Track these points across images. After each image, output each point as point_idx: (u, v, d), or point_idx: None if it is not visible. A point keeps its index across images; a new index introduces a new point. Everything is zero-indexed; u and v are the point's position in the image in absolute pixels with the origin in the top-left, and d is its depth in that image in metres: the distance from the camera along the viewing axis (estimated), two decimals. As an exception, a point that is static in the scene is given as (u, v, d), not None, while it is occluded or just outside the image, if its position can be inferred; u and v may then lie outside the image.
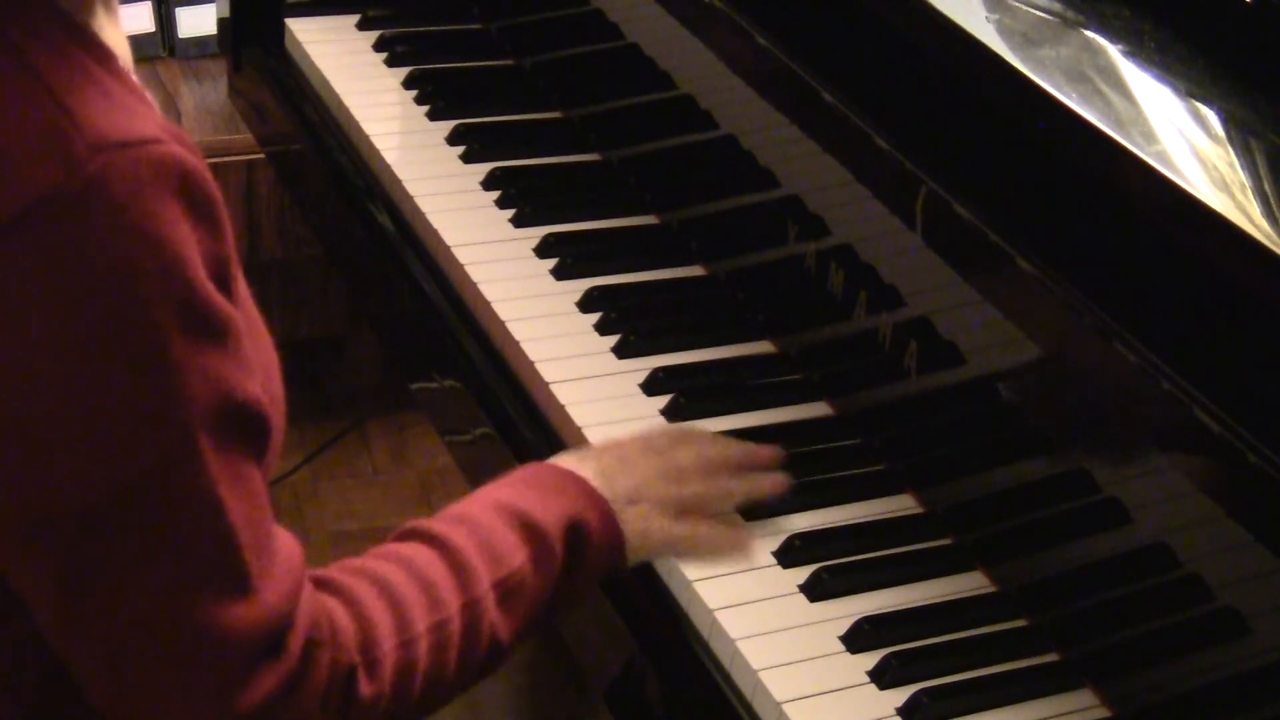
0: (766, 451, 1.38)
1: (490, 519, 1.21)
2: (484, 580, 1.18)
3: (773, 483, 1.35)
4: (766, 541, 1.34)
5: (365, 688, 1.09)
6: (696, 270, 1.65)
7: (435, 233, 1.67)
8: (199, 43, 2.65)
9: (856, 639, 1.26)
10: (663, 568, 1.33)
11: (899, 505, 1.40)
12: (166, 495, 0.98)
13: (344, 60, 1.94)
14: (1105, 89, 1.24)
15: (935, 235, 1.33)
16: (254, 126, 2.18)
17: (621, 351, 1.53)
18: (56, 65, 0.95)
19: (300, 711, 1.05)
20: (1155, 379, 1.14)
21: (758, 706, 1.23)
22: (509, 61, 1.97)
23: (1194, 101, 1.25)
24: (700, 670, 1.27)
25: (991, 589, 1.33)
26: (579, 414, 1.45)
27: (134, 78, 1.01)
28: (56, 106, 0.93)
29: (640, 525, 1.28)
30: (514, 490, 1.25)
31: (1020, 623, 1.30)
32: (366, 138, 1.81)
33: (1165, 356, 1.14)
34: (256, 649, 1.02)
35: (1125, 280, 1.21)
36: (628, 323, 1.55)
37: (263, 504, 1.03)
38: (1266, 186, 1.16)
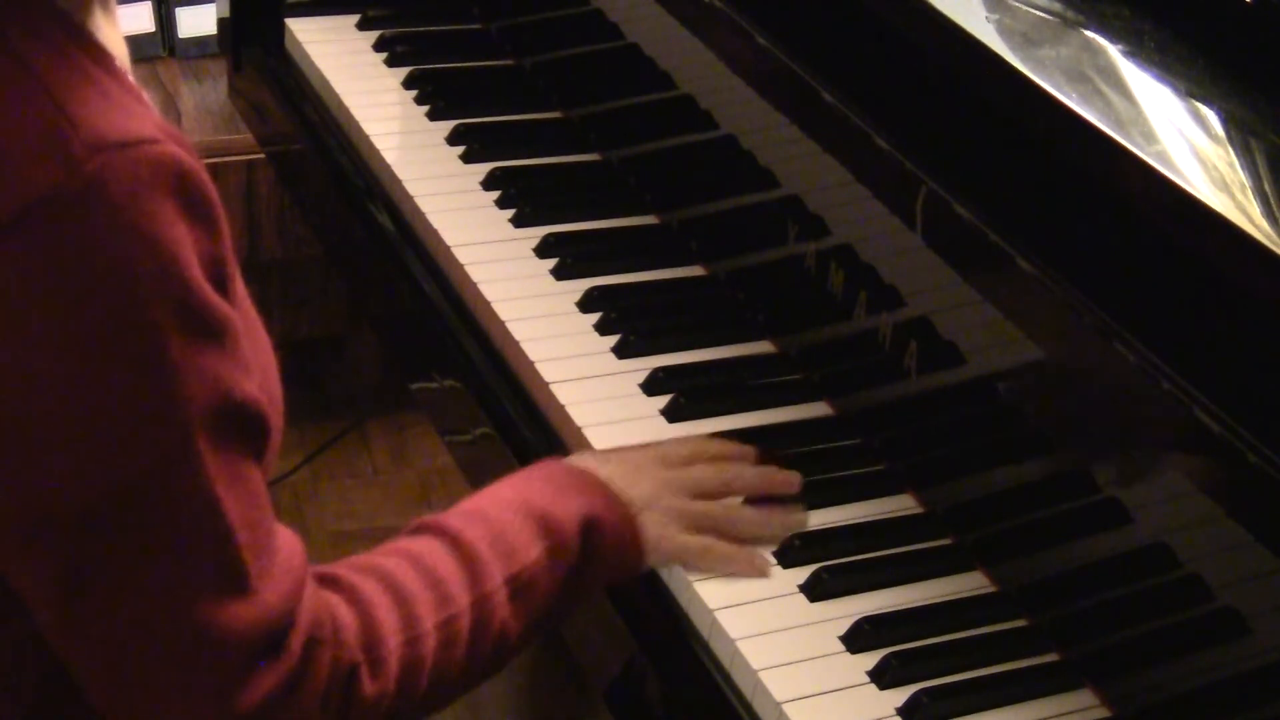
0: (783, 478, 1.36)
1: (504, 513, 1.21)
2: (495, 576, 1.17)
3: (784, 525, 1.34)
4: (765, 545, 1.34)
5: (368, 686, 1.09)
6: (696, 270, 1.65)
7: (435, 233, 1.67)
8: (199, 43, 2.65)
9: (856, 639, 1.26)
10: (663, 568, 1.32)
11: (899, 505, 1.40)
12: (165, 495, 0.98)
13: (344, 60, 1.94)
14: (1105, 89, 1.24)
15: (935, 235, 1.33)
16: (254, 126, 2.18)
17: (621, 351, 1.53)
18: (55, 65, 0.95)
19: (300, 710, 1.05)
20: (1155, 379, 1.14)
21: (758, 706, 1.23)
22: (509, 61, 1.97)
23: (1194, 101, 1.25)
24: (700, 670, 1.27)
25: (991, 589, 1.33)
26: (579, 414, 1.45)
27: (131, 78, 1.01)
28: (54, 107, 0.93)
29: (657, 530, 1.28)
30: (530, 485, 1.25)
31: (1020, 623, 1.30)
32: (366, 138, 1.81)
33: (1165, 356, 1.13)
34: (256, 649, 1.02)
35: (1125, 280, 1.21)
36: (628, 323, 1.55)
37: (262, 503, 1.03)
38: (1266, 186, 1.16)
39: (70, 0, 0.99)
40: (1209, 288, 1.13)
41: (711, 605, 1.28)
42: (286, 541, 1.06)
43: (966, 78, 1.31)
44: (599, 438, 1.41)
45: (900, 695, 1.22)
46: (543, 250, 1.65)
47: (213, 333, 0.97)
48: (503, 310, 1.56)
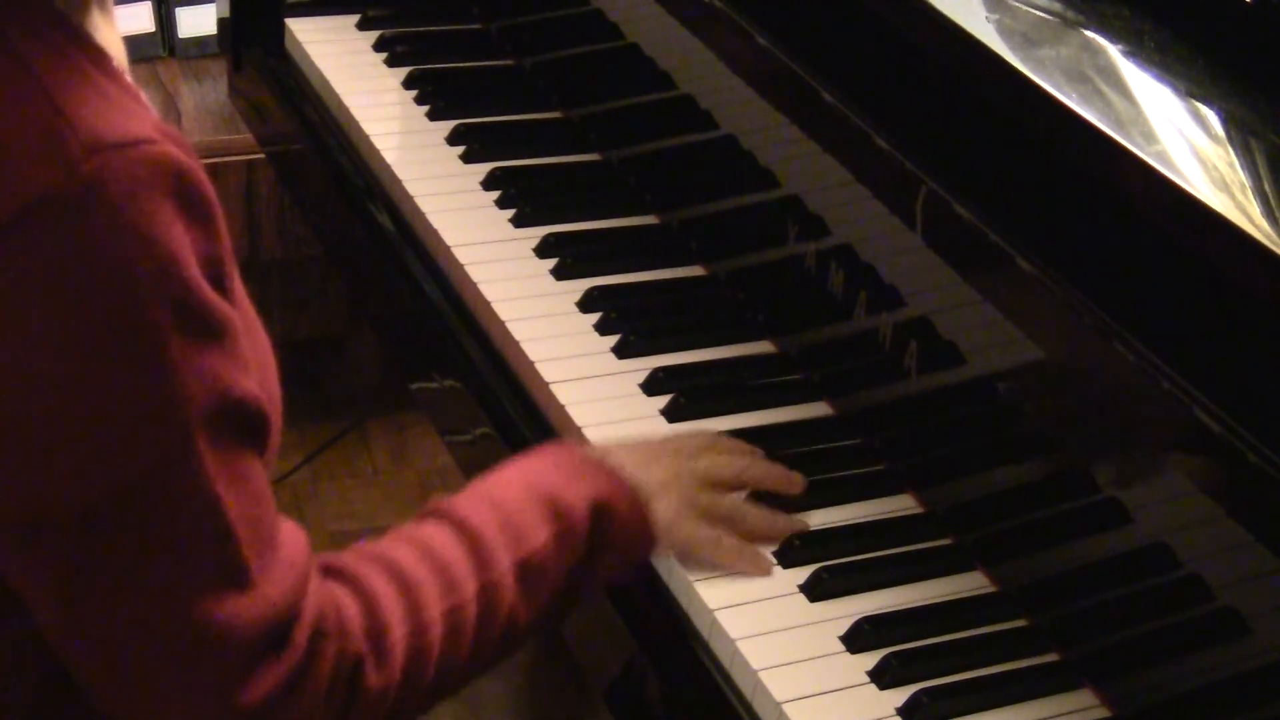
0: (788, 478, 1.37)
1: (513, 497, 1.21)
2: (503, 561, 1.17)
3: (788, 525, 1.34)
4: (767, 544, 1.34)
5: (373, 677, 1.09)
6: (696, 270, 1.65)
7: (435, 233, 1.67)
8: (199, 43, 2.65)
9: (856, 639, 1.26)
10: (663, 568, 1.33)
11: (899, 505, 1.40)
12: (165, 494, 0.98)
13: (344, 60, 1.94)
14: (1105, 89, 1.24)
15: (935, 235, 1.33)
16: (254, 126, 2.18)
17: (621, 351, 1.53)
18: (53, 66, 0.95)
19: (305, 704, 1.05)
20: (1155, 379, 1.14)
21: (758, 706, 1.23)
22: (509, 61, 1.97)
23: (1194, 101, 1.25)
24: (700, 670, 1.27)
25: (991, 589, 1.33)
26: (579, 414, 1.45)
27: (129, 78, 1.01)
28: (52, 107, 0.93)
29: (669, 517, 1.28)
30: (540, 469, 1.25)
31: (1020, 623, 1.30)
32: (366, 138, 1.81)
33: (1165, 356, 1.13)
34: (258, 645, 1.02)
35: (1125, 280, 1.21)
36: (628, 323, 1.55)
37: (264, 499, 1.03)
38: (1266, 186, 1.16)
39: (68, 1, 0.99)
40: (1209, 288, 1.13)
41: (711, 605, 1.28)
42: (290, 536, 1.06)
43: (966, 78, 1.31)
44: (599, 438, 1.41)
45: (900, 695, 1.22)
46: (543, 250, 1.65)
47: (212, 332, 0.97)
48: (503, 310, 1.56)
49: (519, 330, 1.54)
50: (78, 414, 0.95)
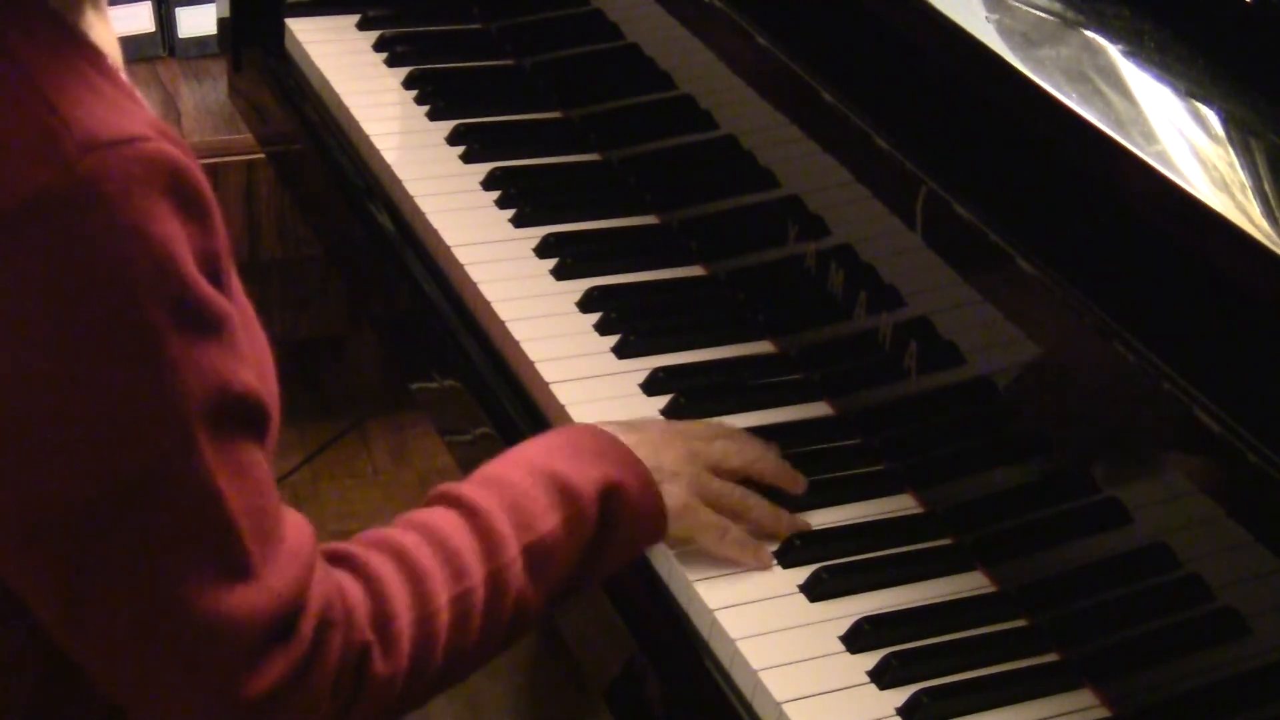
0: (793, 476, 1.37)
1: (522, 480, 1.21)
2: (512, 546, 1.17)
3: (792, 522, 1.34)
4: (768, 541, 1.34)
5: (380, 666, 1.08)
6: (696, 270, 1.65)
7: (435, 233, 1.67)
8: (199, 43, 2.65)
9: (856, 639, 1.26)
10: (663, 568, 1.33)
11: (899, 505, 1.40)
12: (166, 490, 0.98)
13: (344, 60, 1.94)
14: (1105, 89, 1.24)
15: (935, 235, 1.33)
16: (254, 126, 2.18)
17: (621, 351, 1.53)
18: (47, 65, 0.95)
19: (312, 693, 1.05)
20: (1155, 379, 1.14)
21: (758, 706, 1.23)
22: (509, 61, 1.97)
23: (1194, 101, 1.25)
24: (700, 670, 1.27)
25: (991, 589, 1.33)
26: (579, 414, 1.45)
27: (124, 76, 1.02)
28: (46, 106, 0.94)
29: (680, 500, 1.28)
30: (550, 451, 1.25)
31: (1020, 623, 1.30)
32: (366, 138, 1.81)
33: (1165, 356, 1.13)
34: (263, 636, 1.02)
35: (1125, 280, 1.21)
36: (628, 323, 1.55)
37: (266, 490, 1.03)
38: (1266, 186, 1.16)
39: (62, 0, 0.99)
40: (1209, 288, 1.13)
41: (711, 605, 1.28)
42: (294, 527, 1.06)
43: (966, 78, 1.31)
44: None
45: (900, 695, 1.22)
46: (543, 250, 1.65)
47: (210, 327, 0.98)
48: (503, 310, 1.56)
49: (519, 330, 1.54)
50: (77, 412, 0.95)
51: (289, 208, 2.49)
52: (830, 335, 1.51)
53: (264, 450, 1.04)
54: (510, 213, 1.70)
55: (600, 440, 1.27)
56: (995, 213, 1.26)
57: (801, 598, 1.30)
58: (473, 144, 1.79)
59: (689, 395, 1.47)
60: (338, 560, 1.11)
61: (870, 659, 1.25)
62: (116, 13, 2.48)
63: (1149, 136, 1.18)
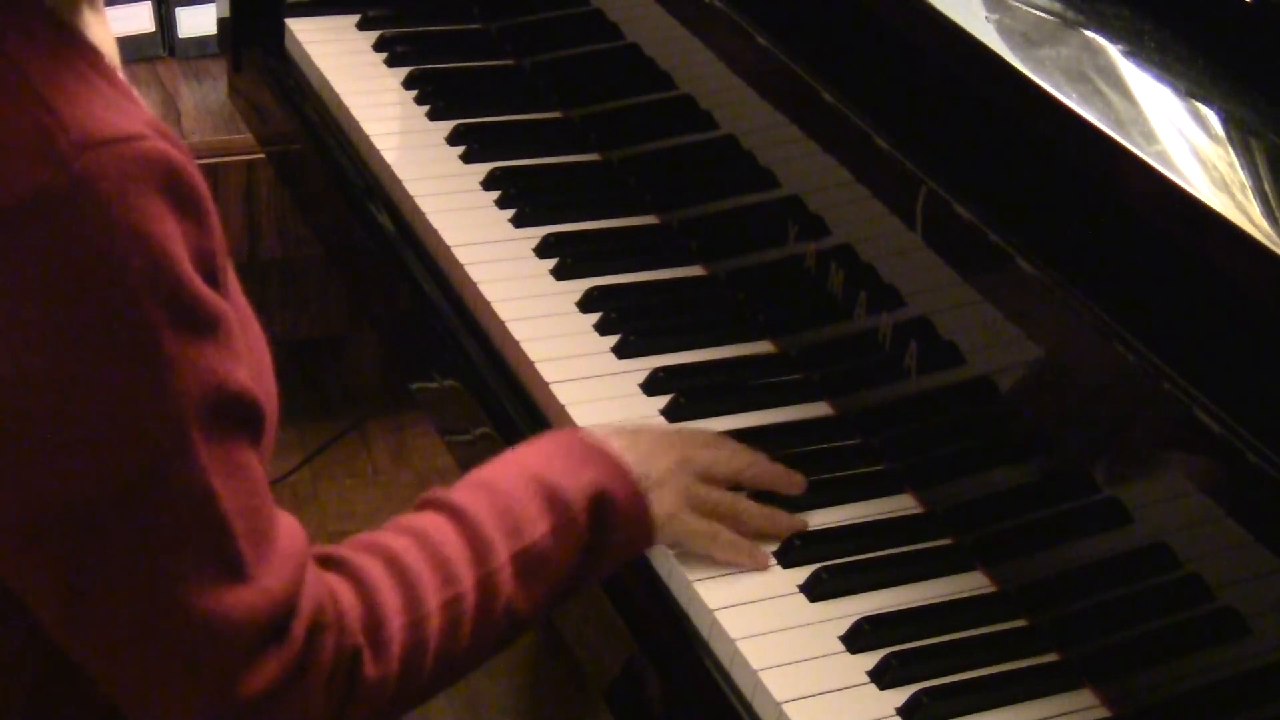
0: (789, 478, 1.37)
1: (513, 487, 1.21)
2: (502, 553, 1.17)
3: (789, 523, 1.34)
4: (766, 541, 1.34)
5: (371, 669, 1.09)
6: (696, 270, 1.65)
7: (435, 233, 1.67)
8: (199, 43, 2.65)
9: (856, 639, 1.26)
10: (663, 568, 1.33)
11: (899, 505, 1.40)
12: (161, 489, 0.98)
13: (344, 60, 1.94)
14: (1105, 89, 1.24)
15: (935, 235, 1.33)
16: (254, 126, 2.18)
17: (621, 351, 1.53)
18: (42, 64, 0.95)
19: (304, 696, 1.05)
20: (1155, 379, 1.14)
21: (758, 706, 1.23)
22: (509, 61, 1.97)
23: (1194, 101, 1.25)
24: (700, 670, 1.27)
25: (991, 589, 1.33)
26: (579, 414, 1.45)
27: (121, 75, 1.02)
28: (42, 105, 0.94)
29: (667, 508, 1.28)
30: (540, 457, 1.25)
31: (1020, 623, 1.30)
32: (366, 138, 1.81)
33: (1165, 356, 1.14)
34: (258, 636, 1.02)
35: (1125, 280, 1.21)
36: (628, 323, 1.55)
37: (260, 490, 1.03)
38: (1266, 186, 1.16)
39: None
40: (1209, 288, 1.13)
41: (711, 605, 1.28)
42: (287, 528, 1.06)
43: (966, 78, 1.31)
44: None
45: (900, 695, 1.22)
46: (543, 250, 1.65)
47: (205, 326, 0.97)
48: (503, 310, 1.56)
49: (519, 330, 1.54)
50: (73, 411, 0.95)
51: (289, 208, 2.49)
52: (830, 335, 1.51)
53: (258, 452, 1.04)
54: (510, 213, 1.70)
55: (589, 447, 1.27)
56: (995, 213, 1.26)
57: (801, 598, 1.30)
58: (473, 144, 1.79)
59: (689, 395, 1.47)
60: (329, 564, 1.11)
61: (870, 659, 1.25)
62: (116, 13, 2.49)
63: (1149, 136, 1.18)
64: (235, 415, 1.00)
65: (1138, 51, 1.30)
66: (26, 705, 1.10)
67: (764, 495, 1.36)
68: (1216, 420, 1.09)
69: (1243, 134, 1.22)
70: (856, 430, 1.46)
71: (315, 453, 2.73)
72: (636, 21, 1.75)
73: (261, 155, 2.32)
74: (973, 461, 1.38)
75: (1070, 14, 1.35)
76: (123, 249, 0.93)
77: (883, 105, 1.38)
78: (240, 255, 2.48)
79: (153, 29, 2.61)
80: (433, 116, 1.85)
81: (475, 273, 1.61)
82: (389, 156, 1.77)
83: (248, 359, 1.03)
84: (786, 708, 1.21)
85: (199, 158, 0.99)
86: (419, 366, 1.76)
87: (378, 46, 1.97)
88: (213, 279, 0.99)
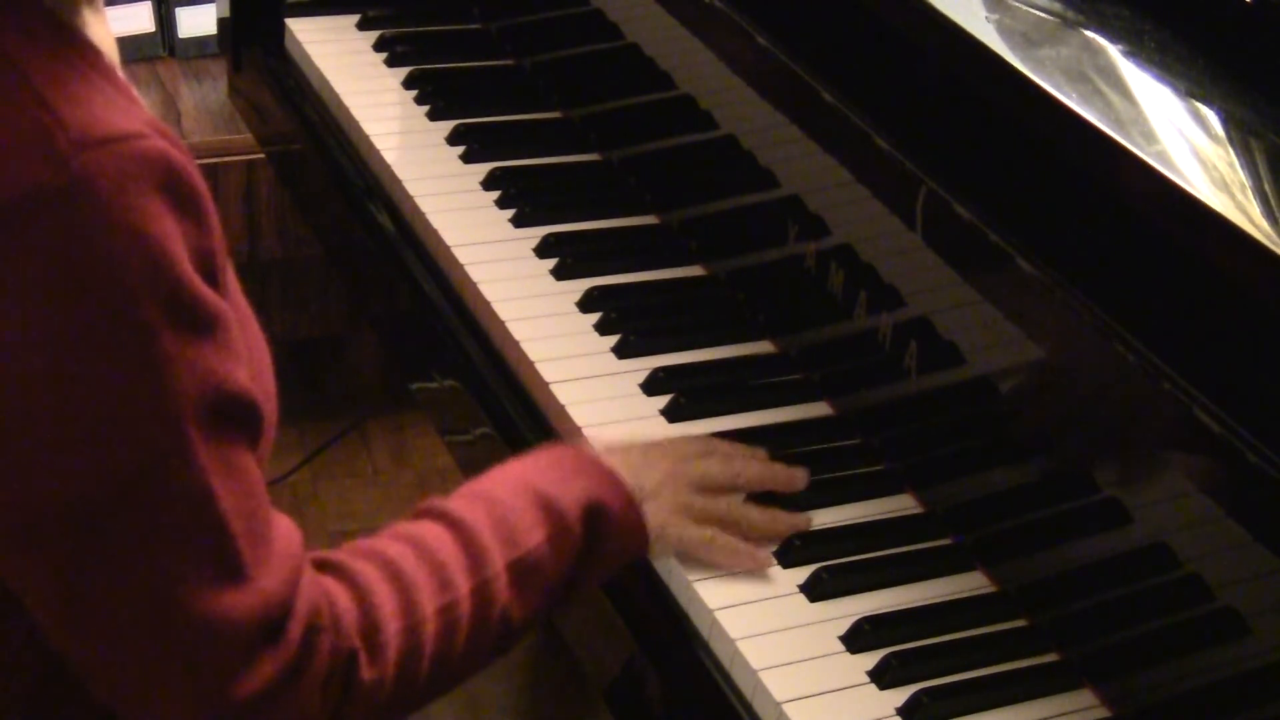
0: (787, 476, 1.37)
1: (508, 497, 1.21)
2: (497, 561, 1.17)
3: (789, 523, 1.34)
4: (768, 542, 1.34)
5: (366, 672, 1.09)
6: (696, 270, 1.65)
7: (435, 233, 1.67)
8: (199, 43, 2.65)
9: (856, 639, 1.26)
10: (663, 568, 1.33)
11: (899, 505, 1.40)
12: (159, 489, 0.98)
13: (344, 60, 1.94)
14: (1105, 89, 1.24)
15: (935, 235, 1.33)
16: (254, 126, 2.18)
17: (621, 351, 1.53)
18: (41, 63, 0.95)
19: (300, 698, 1.05)
20: (1155, 379, 1.14)
21: (758, 706, 1.23)
22: (509, 61, 1.97)
23: (1194, 101, 1.25)
24: (700, 670, 1.27)
25: (991, 589, 1.33)
26: (579, 414, 1.45)
27: (120, 74, 1.02)
28: (40, 104, 0.94)
29: (661, 519, 1.28)
30: (535, 469, 1.25)
31: (1020, 623, 1.30)
32: (366, 138, 1.81)
33: (1165, 356, 1.14)
34: (254, 637, 1.02)
35: (1125, 280, 1.21)
36: (628, 323, 1.55)
37: (258, 492, 1.03)
38: (1266, 186, 1.16)
39: None
40: (1209, 288, 1.13)
41: (711, 605, 1.28)
42: (284, 530, 1.06)
43: (966, 78, 1.31)
44: (599, 438, 1.41)
45: (900, 695, 1.22)
46: (543, 250, 1.65)
47: (204, 326, 0.97)
48: (503, 310, 1.56)
49: (519, 330, 1.54)
50: (71, 410, 0.95)
51: (289, 208, 2.49)
52: (830, 335, 1.51)
53: (256, 452, 1.04)
54: (510, 213, 1.70)
55: (583, 458, 1.28)
56: (995, 213, 1.26)
57: (801, 598, 1.30)
58: (473, 144, 1.79)
59: (689, 395, 1.47)
60: (326, 568, 1.11)
61: (870, 659, 1.25)
62: (116, 13, 2.49)
63: (1149, 136, 1.18)
64: (234, 416, 1.00)
65: (1138, 51, 1.30)
66: (26, 705, 1.10)
67: (765, 495, 1.36)
68: (1216, 420, 1.09)
69: (1243, 134, 1.22)
70: (856, 430, 1.46)
71: (315, 453, 2.73)
72: (636, 21, 1.75)
73: (261, 155, 2.32)
74: (973, 462, 1.38)
75: (1070, 14, 1.35)
76: (122, 248, 0.93)
77: (883, 105, 1.38)
78: (240, 255, 2.48)
79: (153, 29, 2.61)
80: (433, 116, 1.85)
81: (475, 273, 1.61)
82: (389, 156, 1.77)
83: (247, 359, 1.03)
84: (786, 708, 1.21)
85: (199, 158, 0.99)
86: (419, 366, 1.76)
87: (378, 46, 1.97)
88: (212, 279, 0.99)
